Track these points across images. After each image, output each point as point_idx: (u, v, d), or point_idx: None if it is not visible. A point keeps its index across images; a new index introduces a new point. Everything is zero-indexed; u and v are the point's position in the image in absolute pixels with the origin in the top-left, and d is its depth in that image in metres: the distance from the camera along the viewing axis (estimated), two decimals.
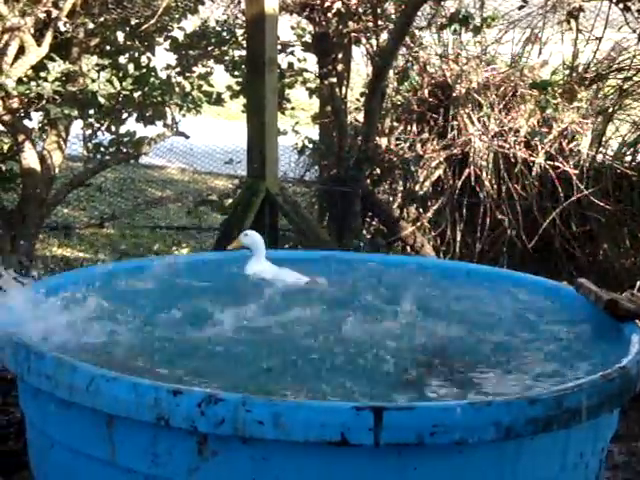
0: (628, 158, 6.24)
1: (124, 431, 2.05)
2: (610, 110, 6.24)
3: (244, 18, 5.87)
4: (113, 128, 5.61)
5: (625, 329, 2.55)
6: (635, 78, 6.25)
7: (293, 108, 6.79)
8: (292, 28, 6.65)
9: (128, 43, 5.81)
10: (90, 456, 2.15)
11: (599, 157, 6.15)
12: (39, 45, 4.82)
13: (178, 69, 6.15)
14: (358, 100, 6.63)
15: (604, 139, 6.27)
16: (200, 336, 2.53)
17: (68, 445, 2.21)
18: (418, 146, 6.19)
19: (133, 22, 5.78)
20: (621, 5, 5.61)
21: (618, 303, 2.63)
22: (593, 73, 6.30)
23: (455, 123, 6.10)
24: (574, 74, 6.27)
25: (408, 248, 6.05)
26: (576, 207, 5.93)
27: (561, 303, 2.96)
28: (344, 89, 6.36)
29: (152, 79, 5.56)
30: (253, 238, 3.26)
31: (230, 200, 6.17)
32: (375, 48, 6.22)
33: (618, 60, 6.33)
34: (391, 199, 6.34)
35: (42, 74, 4.86)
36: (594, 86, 6.34)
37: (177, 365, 2.30)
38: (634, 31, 5.93)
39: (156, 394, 1.97)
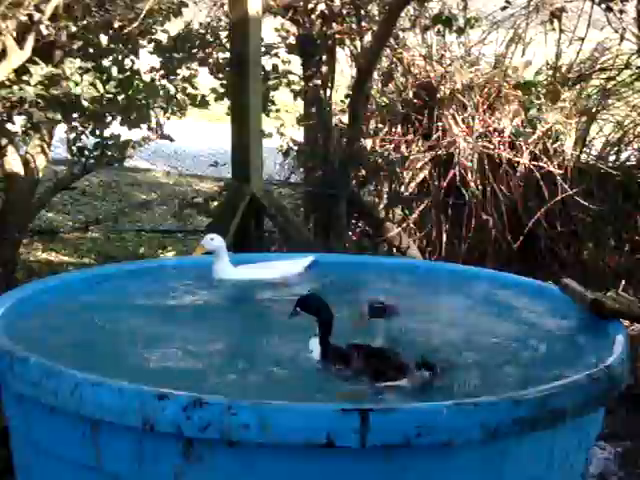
0: (612, 158, 6.27)
1: (109, 436, 2.04)
2: (593, 110, 6.27)
3: (228, 20, 5.86)
4: (97, 131, 5.59)
5: (610, 328, 2.56)
6: (618, 78, 6.28)
7: (278, 110, 6.77)
8: (276, 30, 6.64)
9: (111, 46, 5.78)
10: (75, 462, 2.13)
11: (583, 157, 6.18)
12: (21, 48, 4.78)
13: (162, 72, 6.12)
14: (343, 102, 6.63)
15: (588, 139, 6.30)
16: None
17: (53, 451, 2.19)
18: (403, 147, 6.20)
19: (116, 25, 5.74)
20: (603, 5, 5.63)
21: (603, 303, 2.64)
22: (576, 73, 6.32)
23: (440, 124, 6.11)
24: (557, 74, 6.29)
25: (394, 249, 6.05)
26: (561, 207, 5.95)
27: (546, 303, 2.97)
28: (329, 91, 6.35)
29: (136, 82, 5.54)
30: (219, 242, 3.22)
31: (215, 203, 6.15)
32: (359, 50, 6.23)
33: (601, 60, 6.36)
34: (377, 200, 6.35)
35: (25, 78, 4.83)
36: (577, 86, 6.37)
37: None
38: (616, 31, 5.96)
39: (141, 399, 1.96)
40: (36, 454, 2.26)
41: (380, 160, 6.25)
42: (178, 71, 6.17)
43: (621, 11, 5.69)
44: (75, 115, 5.43)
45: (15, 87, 4.78)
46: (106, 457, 2.06)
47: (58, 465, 2.19)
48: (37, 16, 4.73)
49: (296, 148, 6.56)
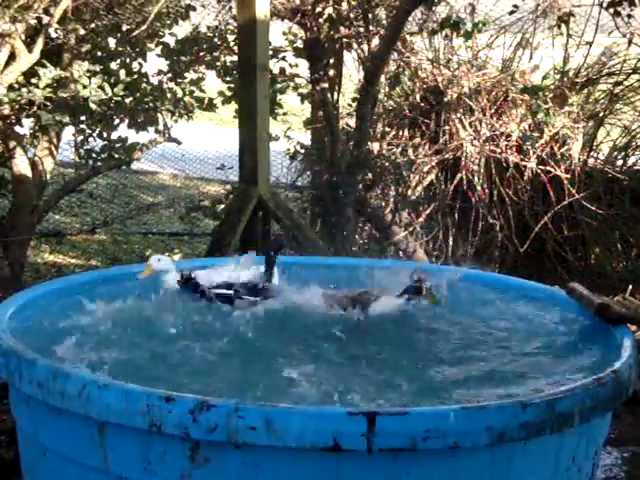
0: (619, 162, 6.26)
1: (116, 438, 2.04)
2: (601, 114, 6.26)
3: (235, 24, 5.87)
4: (105, 134, 5.61)
5: (617, 333, 2.56)
6: (625, 82, 6.27)
7: (285, 113, 6.79)
8: (284, 34, 6.65)
9: (119, 49, 5.81)
10: (82, 463, 2.14)
11: (590, 161, 6.16)
12: (30, 51, 4.81)
13: (170, 75, 6.14)
14: (350, 105, 6.63)
15: (595, 143, 6.29)
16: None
17: (60, 452, 2.20)
18: (410, 151, 6.20)
19: (124, 28, 5.77)
20: (611, 10, 5.63)
21: (610, 307, 2.63)
22: (584, 78, 6.31)
23: (447, 128, 6.11)
24: (565, 79, 6.29)
25: (400, 253, 6.05)
26: (568, 211, 5.94)
27: (553, 307, 2.96)
28: (336, 94, 6.36)
29: (144, 85, 5.57)
30: (166, 263, 3.07)
31: (222, 206, 6.16)
32: (367, 53, 6.23)
33: (608, 65, 6.35)
34: (383, 204, 6.35)
35: (33, 80, 4.86)
36: (585, 91, 6.36)
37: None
38: (624, 36, 5.95)
39: (148, 401, 1.96)
40: (43, 455, 2.27)
41: (387, 164, 6.26)
42: (186, 74, 6.21)
43: (629, 15, 5.69)
44: (83, 118, 5.46)
45: (24, 90, 4.80)
46: (113, 459, 2.06)
47: (65, 466, 2.19)
48: (46, 19, 4.77)
49: (303, 151, 6.57)
